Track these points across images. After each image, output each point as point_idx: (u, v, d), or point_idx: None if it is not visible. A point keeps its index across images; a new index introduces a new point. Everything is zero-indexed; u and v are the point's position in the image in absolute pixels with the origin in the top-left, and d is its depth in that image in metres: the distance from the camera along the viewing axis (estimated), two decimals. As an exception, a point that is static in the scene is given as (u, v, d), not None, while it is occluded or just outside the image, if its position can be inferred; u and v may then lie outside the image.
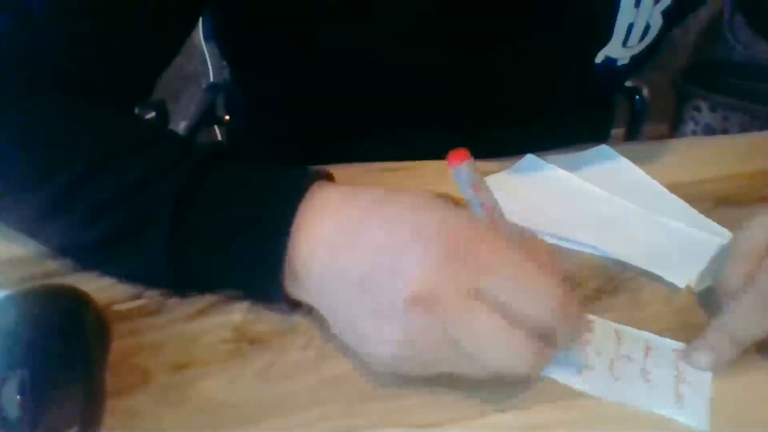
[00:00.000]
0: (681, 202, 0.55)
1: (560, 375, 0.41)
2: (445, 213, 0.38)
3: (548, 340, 0.37)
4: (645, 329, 0.44)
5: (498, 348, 0.36)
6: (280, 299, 0.42)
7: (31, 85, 0.48)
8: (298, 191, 0.41)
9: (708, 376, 0.41)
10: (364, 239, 0.39)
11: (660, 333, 0.43)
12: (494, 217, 0.39)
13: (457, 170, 0.36)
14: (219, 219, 0.42)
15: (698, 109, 1.09)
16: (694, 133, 1.10)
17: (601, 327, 0.44)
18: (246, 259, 0.41)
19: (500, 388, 0.39)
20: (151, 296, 0.45)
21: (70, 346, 0.39)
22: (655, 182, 0.57)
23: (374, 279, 0.37)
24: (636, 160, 0.59)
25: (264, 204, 0.41)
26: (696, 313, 0.46)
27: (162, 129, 0.52)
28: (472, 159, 0.36)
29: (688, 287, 0.47)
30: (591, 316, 0.44)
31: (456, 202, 0.40)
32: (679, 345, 0.43)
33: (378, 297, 0.37)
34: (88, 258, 0.46)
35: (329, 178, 0.44)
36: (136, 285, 0.45)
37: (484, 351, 0.36)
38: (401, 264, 0.37)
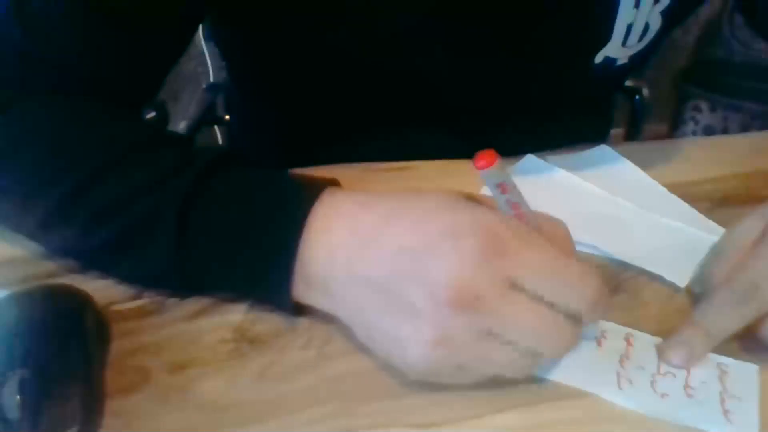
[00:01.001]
0: (681, 202, 0.55)
1: (601, 389, 0.40)
2: (473, 210, 0.38)
3: (576, 321, 0.38)
4: (645, 329, 0.44)
5: (540, 333, 0.37)
6: (287, 305, 0.42)
7: (36, 88, 0.48)
8: (308, 197, 0.41)
9: (754, 387, 0.40)
10: (391, 242, 0.38)
11: (660, 333, 0.43)
12: (522, 215, 0.39)
13: (484, 173, 0.37)
14: (226, 223, 0.41)
15: (698, 109, 1.09)
16: (694, 133, 1.10)
17: (641, 341, 0.43)
18: (254, 264, 0.41)
19: (500, 387, 0.39)
20: (151, 296, 0.45)
21: (70, 346, 0.39)
22: (655, 182, 0.57)
23: (407, 280, 0.37)
24: (636, 160, 0.59)
25: (273, 210, 0.41)
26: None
27: (167, 131, 0.52)
28: (499, 160, 0.37)
29: (688, 287, 0.47)
30: (630, 330, 0.44)
31: (478, 200, 0.40)
32: (723, 359, 0.42)
33: (412, 298, 0.37)
34: (93, 261, 0.46)
35: (336, 185, 0.44)
36: (141, 287, 0.45)
37: (526, 337, 0.37)
38: (437, 263, 0.36)
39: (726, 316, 0.42)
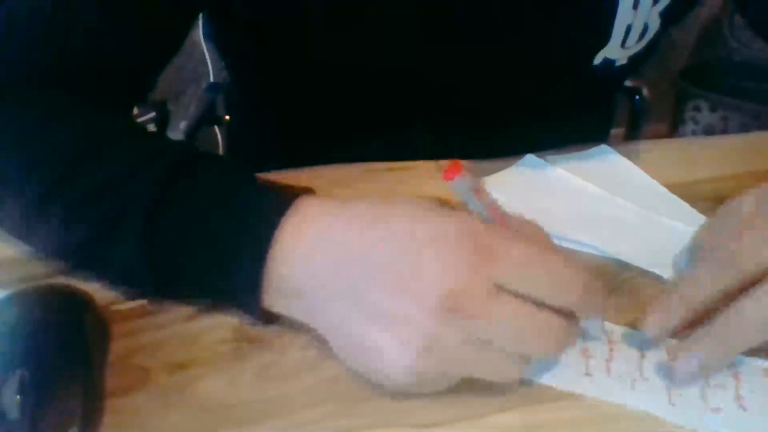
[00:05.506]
0: (681, 202, 0.55)
1: (650, 405, 0.39)
2: (454, 217, 0.38)
3: (569, 317, 0.38)
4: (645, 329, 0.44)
5: (529, 334, 0.37)
6: (255, 313, 0.41)
7: (13, 85, 0.48)
8: (281, 205, 0.40)
9: None
10: (372, 252, 0.37)
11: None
12: (501, 216, 0.39)
13: (455, 183, 0.37)
14: (196, 226, 0.41)
15: (698, 109, 1.09)
16: (694, 133, 1.10)
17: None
18: (223, 272, 0.40)
19: (500, 387, 0.39)
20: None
21: (70, 346, 0.39)
22: (654, 182, 0.57)
23: (391, 290, 0.36)
24: (636, 160, 0.59)
25: (243, 218, 0.40)
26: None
27: (138, 128, 0.51)
28: (466, 167, 0.37)
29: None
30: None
31: (452, 206, 0.40)
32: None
33: (395, 307, 0.36)
34: (74, 260, 0.46)
35: (309, 193, 0.43)
36: (122, 289, 0.45)
37: (515, 340, 0.37)
38: (421, 271, 0.36)
39: (702, 280, 0.41)
